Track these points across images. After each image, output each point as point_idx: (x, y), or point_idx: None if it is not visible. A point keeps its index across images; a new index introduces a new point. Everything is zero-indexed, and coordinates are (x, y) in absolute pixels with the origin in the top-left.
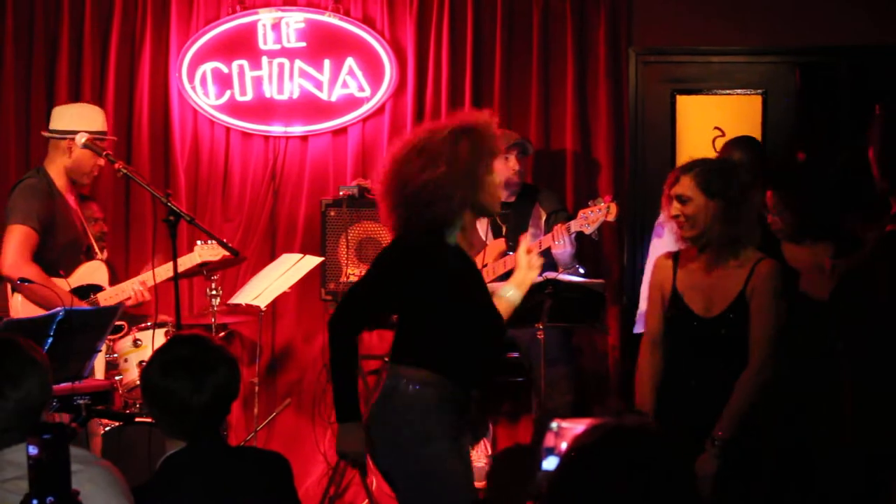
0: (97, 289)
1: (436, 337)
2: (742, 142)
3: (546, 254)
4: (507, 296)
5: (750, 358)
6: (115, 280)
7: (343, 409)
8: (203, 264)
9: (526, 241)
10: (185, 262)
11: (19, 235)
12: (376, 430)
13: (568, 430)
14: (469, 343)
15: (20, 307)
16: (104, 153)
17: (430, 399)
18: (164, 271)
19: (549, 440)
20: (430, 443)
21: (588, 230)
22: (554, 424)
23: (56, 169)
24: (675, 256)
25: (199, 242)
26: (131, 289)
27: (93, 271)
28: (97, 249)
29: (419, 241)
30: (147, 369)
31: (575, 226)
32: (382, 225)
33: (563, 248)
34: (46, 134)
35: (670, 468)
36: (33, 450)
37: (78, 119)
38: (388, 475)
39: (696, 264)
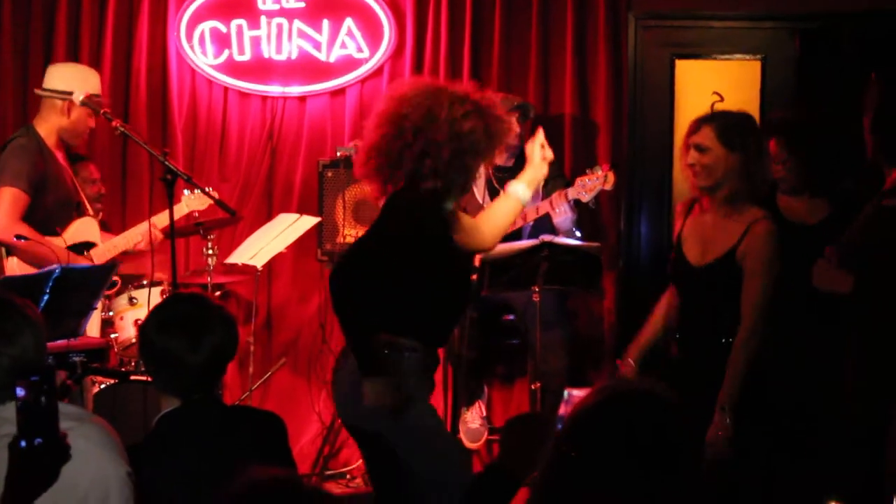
0: (90, 245)
1: (418, 306)
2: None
3: (544, 219)
4: (517, 193)
5: (742, 321)
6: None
7: (362, 362)
8: (199, 223)
9: (540, 133)
10: (174, 212)
11: (9, 197)
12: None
13: (580, 398)
14: (447, 311)
15: (17, 268)
16: (102, 111)
17: (415, 364)
18: (165, 217)
19: (562, 409)
20: (415, 404)
21: (585, 198)
22: (566, 393)
23: (48, 127)
24: (690, 204)
25: (186, 192)
26: (140, 232)
27: (85, 228)
28: (87, 205)
29: (435, 203)
30: (145, 326)
31: (572, 193)
32: (365, 173)
33: (563, 215)
34: (42, 92)
35: (674, 430)
36: (21, 392)
37: (75, 80)
38: (379, 436)
39: (703, 214)
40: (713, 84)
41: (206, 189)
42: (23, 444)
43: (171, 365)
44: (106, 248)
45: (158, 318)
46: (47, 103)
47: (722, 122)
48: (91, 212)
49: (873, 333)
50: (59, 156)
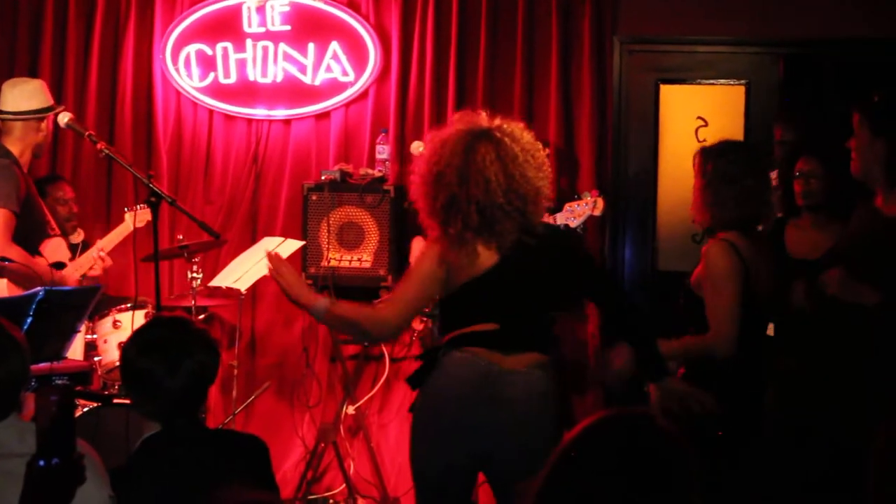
0: (61, 265)
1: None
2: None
3: None
4: None
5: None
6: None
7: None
8: (183, 246)
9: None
10: (122, 231)
11: (1, 219)
12: (545, 412)
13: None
14: None
15: (5, 290)
16: (87, 133)
17: None
18: (116, 235)
19: None
20: None
21: (574, 223)
22: None
23: (22, 147)
24: None
25: (125, 209)
26: (91, 257)
27: (56, 248)
28: (55, 225)
29: None
30: (126, 348)
31: (560, 219)
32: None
33: None
34: (24, 117)
35: (669, 458)
36: (40, 411)
37: (43, 95)
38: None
39: None
40: (698, 109)
41: (204, 223)
42: (41, 463)
43: (150, 388)
44: (73, 269)
45: (138, 341)
46: (20, 124)
47: (702, 152)
48: (58, 231)
49: None
50: (28, 175)
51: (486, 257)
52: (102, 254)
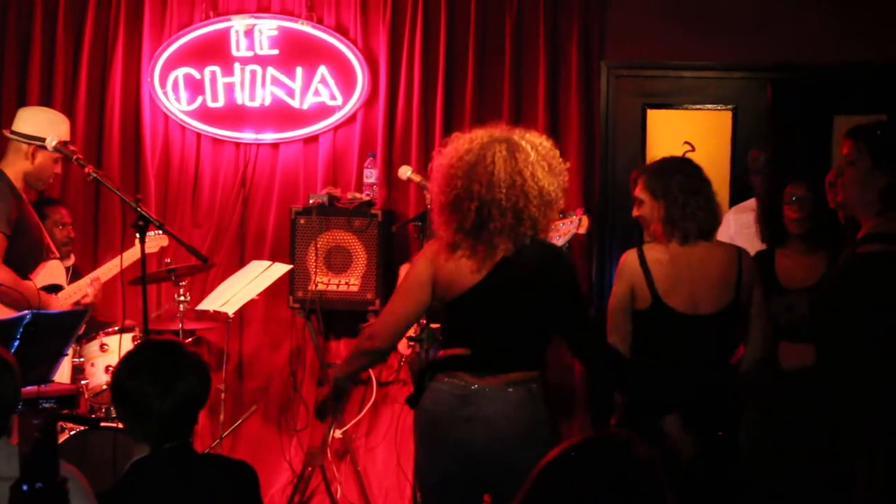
0: (57, 288)
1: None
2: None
3: None
4: None
5: None
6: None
7: None
8: (171, 269)
9: None
10: (129, 256)
11: None
12: (529, 429)
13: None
14: None
15: None
16: (74, 157)
17: None
18: (113, 266)
19: None
20: None
21: (559, 242)
22: None
23: (15, 171)
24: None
25: (136, 235)
26: (86, 286)
27: (52, 271)
28: (53, 248)
29: None
30: (117, 370)
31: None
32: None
33: None
34: (11, 136)
35: (649, 481)
36: (24, 434)
37: (46, 126)
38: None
39: None
40: (685, 133)
41: (192, 247)
42: (24, 487)
43: (139, 409)
44: (69, 293)
45: (129, 362)
46: (13, 147)
47: (645, 172)
48: (57, 255)
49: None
50: (26, 198)
51: (470, 276)
52: (95, 274)
